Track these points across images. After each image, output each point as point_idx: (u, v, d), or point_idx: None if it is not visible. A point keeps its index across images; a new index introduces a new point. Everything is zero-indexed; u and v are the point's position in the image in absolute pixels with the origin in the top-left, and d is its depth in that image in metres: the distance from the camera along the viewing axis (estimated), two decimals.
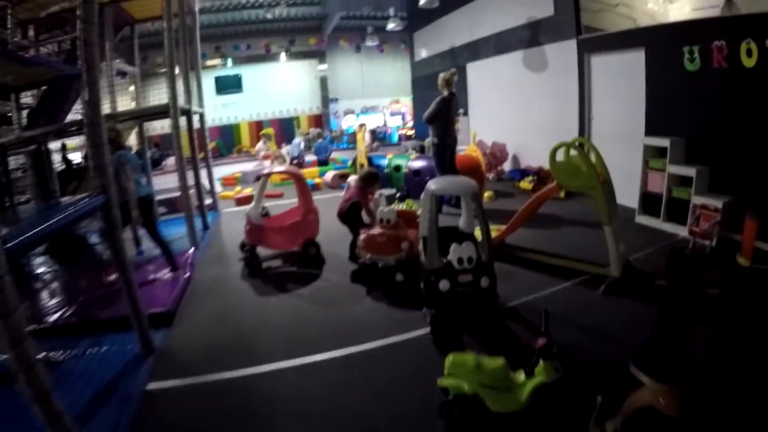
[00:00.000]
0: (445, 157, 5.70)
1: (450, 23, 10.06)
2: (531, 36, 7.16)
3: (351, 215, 4.17)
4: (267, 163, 10.16)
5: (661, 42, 4.99)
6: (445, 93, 5.56)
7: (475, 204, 2.97)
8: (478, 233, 3.20)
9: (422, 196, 3.10)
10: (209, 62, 14.30)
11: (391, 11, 11.58)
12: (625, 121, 5.67)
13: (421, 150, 11.06)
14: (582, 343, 2.76)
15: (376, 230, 3.60)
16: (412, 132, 14.56)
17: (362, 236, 3.66)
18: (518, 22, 7.41)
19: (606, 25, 6.26)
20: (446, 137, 5.63)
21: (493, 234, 3.82)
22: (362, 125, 8.85)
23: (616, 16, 6.49)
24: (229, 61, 14.76)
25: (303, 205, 4.49)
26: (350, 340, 2.96)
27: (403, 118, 17.09)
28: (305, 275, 4.15)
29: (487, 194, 6.45)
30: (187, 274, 4.16)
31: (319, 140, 10.26)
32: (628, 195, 5.46)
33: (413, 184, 6.67)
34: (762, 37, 3.84)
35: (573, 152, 3.57)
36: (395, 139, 15.41)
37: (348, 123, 16.15)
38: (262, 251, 4.48)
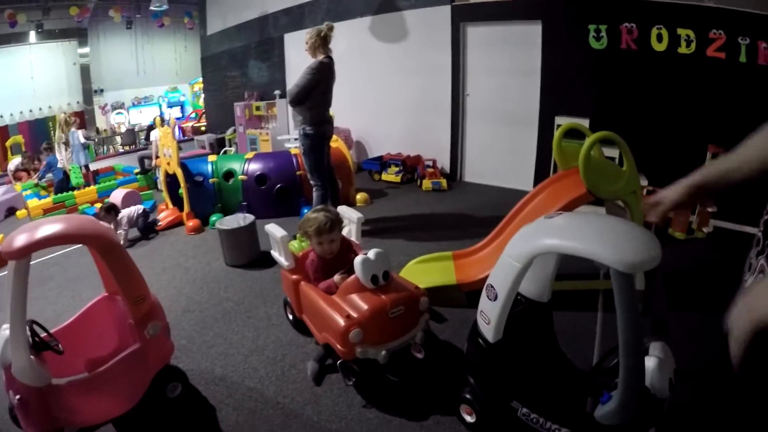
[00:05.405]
0: (323, 154, 3.88)
1: None
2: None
3: None
4: (18, 186, 6.33)
5: (562, 17, 4.57)
6: (321, 57, 3.64)
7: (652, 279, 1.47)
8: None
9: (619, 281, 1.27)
10: None
11: None
12: (510, 100, 5.17)
13: (221, 144, 8.90)
14: None
15: (366, 298, 1.94)
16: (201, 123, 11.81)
17: (349, 321, 1.89)
18: None
19: None
20: (324, 123, 3.80)
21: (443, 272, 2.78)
22: (160, 118, 6.37)
23: None
24: None
25: (126, 302, 1.81)
26: None
27: (183, 109, 13.90)
28: None
29: (360, 196, 5.08)
30: None
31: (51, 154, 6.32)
32: (522, 179, 5.12)
33: (258, 197, 4.69)
34: (673, 24, 3.92)
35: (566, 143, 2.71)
36: (176, 134, 12.65)
37: (118, 120, 12.51)
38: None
